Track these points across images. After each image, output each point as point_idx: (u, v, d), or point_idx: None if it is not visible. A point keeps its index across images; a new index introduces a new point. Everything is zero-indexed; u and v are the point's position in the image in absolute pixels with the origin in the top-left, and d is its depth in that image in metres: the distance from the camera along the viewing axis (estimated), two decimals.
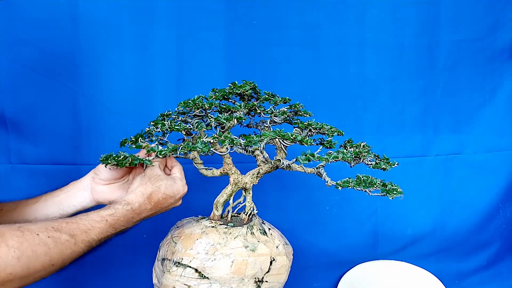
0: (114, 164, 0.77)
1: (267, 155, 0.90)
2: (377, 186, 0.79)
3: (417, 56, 1.41)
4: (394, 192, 0.80)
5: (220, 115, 0.88)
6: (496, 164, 1.49)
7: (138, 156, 0.82)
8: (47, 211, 0.84)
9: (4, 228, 0.58)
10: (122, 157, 0.77)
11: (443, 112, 1.45)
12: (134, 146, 0.84)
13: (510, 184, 1.51)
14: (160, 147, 0.81)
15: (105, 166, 0.79)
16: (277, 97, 0.99)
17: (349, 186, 0.80)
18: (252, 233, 0.87)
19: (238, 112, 0.91)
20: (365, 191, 0.80)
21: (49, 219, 0.70)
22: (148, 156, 0.83)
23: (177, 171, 0.87)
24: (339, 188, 0.80)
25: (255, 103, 0.96)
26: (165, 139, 0.90)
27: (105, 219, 0.71)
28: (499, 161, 1.49)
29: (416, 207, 1.48)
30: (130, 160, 0.77)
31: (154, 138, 0.89)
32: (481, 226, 1.52)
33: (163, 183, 0.81)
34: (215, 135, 0.83)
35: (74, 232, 0.65)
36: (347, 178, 0.81)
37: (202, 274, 0.81)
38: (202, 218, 0.93)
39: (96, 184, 0.85)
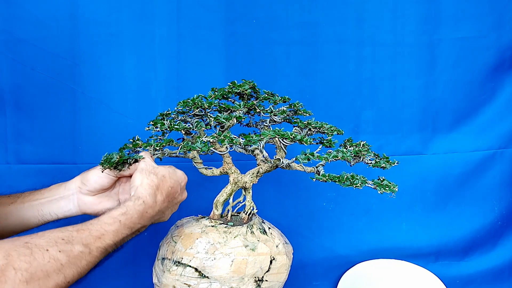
0: (108, 167, 0.75)
1: (266, 154, 0.90)
2: (359, 184, 0.79)
3: (418, 54, 1.40)
4: (386, 187, 0.80)
5: (219, 114, 0.88)
6: (492, 162, 1.49)
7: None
8: (24, 215, 0.76)
9: (8, 244, 0.51)
10: (112, 157, 0.75)
11: (443, 111, 1.44)
12: (131, 147, 0.83)
13: (505, 182, 1.51)
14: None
15: (102, 172, 0.77)
16: (276, 96, 0.99)
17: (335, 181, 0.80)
18: (252, 232, 0.87)
19: (237, 111, 0.91)
20: (354, 186, 0.79)
21: (56, 230, 0.59)
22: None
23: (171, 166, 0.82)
24: (324, 180, 0.79)
25: (255, 102, 0.96)
26: (164, 139, 0.90)
27: (118, 219, 0.65)
28: (496, 160, 1.49)
29: (412, 204, 1.48)
30: (118, 158, 0.75)
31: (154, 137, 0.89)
32: (478, 224, 1.52)
33: (165, 172, 0.76)
34: (215, 135, 0.83)
35: (87, 240, 0.59)
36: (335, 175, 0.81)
37: (202, 274, 0.81)
38: (202, 218, 0.93)
39: (83, 195, 0.79)
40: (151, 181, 0.73)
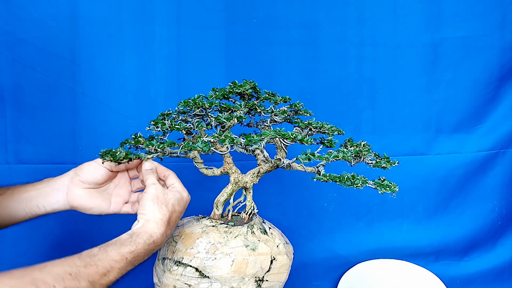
0: (110, 160, 0.76)
1: (267, 154, 0.90)
2: (359, 185, 0.79)
3: (419, 53, 1.39)
4: (387, 187, 0.80)
5: (220, 114, 0.88)
6: (494, 163, 1.49)
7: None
8: (11, 207, 0.76)
9: (14, 281, 0.52)
10: (118, 152, 0.75)
11: (446, 111, 1.44)
12: (133, 143, 0.83)
13: (506, 182, 1.51)
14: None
15: (102, 163, 0.78)
16: (277, 96, 0.99)
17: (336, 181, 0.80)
18: (253, 232, 0.87)
19: (238, 111, 0.91)
20: (355, 186, 0.80)
21: (64, 259, 0.60)
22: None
23: (175, 181, 0.81)
24: (325, 180, 0.80)
25: (255, 102, 0.96)
26: (165, 139, 0.90)
27: (125, 257, 0.66)
28: (497, 160, 1.49)
29: (413, 204, 1.48)
30: (124, 155, 0.76)
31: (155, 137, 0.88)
32: (478, 224, 1.52)
33: (175, 201, 0.76)
34: (216, 135, 0.83)
35: (93, 277, 0.61)
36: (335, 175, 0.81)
37: (203, 273, 0.81)
38: (202, 217, 0.93)
39: (74, 186, 0.79)
40: (163, 216, 0.73)
